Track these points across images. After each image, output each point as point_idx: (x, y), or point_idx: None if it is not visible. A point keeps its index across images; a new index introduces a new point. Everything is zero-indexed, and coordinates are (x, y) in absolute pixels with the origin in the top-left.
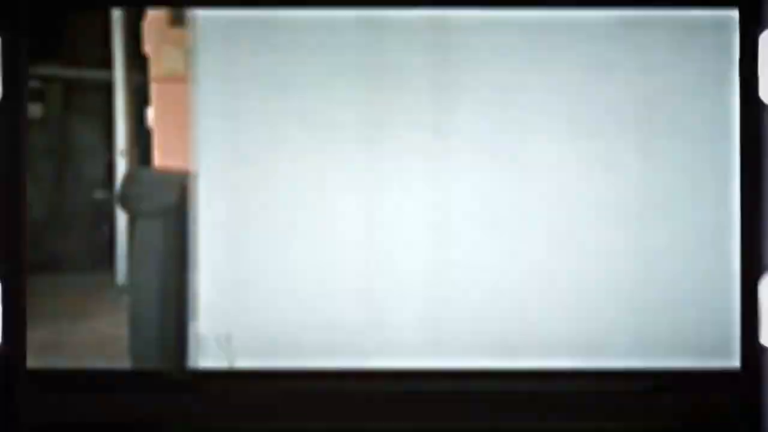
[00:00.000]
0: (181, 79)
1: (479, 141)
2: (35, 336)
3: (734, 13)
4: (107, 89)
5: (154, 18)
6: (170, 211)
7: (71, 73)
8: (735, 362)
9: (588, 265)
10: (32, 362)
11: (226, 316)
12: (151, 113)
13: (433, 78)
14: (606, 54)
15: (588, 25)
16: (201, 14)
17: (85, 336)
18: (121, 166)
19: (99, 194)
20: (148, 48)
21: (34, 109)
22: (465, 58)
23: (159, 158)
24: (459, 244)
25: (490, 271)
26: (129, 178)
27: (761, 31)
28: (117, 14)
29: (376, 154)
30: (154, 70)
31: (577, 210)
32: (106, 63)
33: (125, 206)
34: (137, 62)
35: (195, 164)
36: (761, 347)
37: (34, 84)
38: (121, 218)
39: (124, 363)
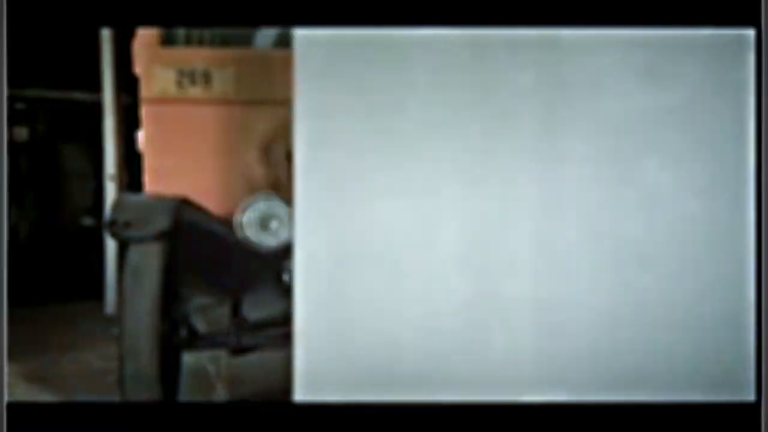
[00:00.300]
0: (173, 100)
1: (590, 165)
2: (19, 369)
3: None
4: (96, 111)
5: (144, 37)
6: (162, 238)
7: (58, 95)
8: None
9: (709, 297)
10: (16, 396)
11: (324, 348)
12: (141, 136)
13: (543, 99)
14: (723, 73)
15: (704, 45)
16: (300, 34)
17: (72, 369)
18: (110, 191)
19: (87, 221)
20: (138, 68)
21: (20, 132)
22: (576, 78)
23: (150, 183)
24: (569, 272)
25: (602, 301)
26: (118, 203)
27: None
28: (106, 34)
29: (482, 179)
30: (145, 91)
31: (698, 240)
32: (95, 84)
33: (114, 233)
34: (127, 83)
35: (294, 193)
36: None
37: (20, 106)
38: (110, 246)
39: (113, 397)
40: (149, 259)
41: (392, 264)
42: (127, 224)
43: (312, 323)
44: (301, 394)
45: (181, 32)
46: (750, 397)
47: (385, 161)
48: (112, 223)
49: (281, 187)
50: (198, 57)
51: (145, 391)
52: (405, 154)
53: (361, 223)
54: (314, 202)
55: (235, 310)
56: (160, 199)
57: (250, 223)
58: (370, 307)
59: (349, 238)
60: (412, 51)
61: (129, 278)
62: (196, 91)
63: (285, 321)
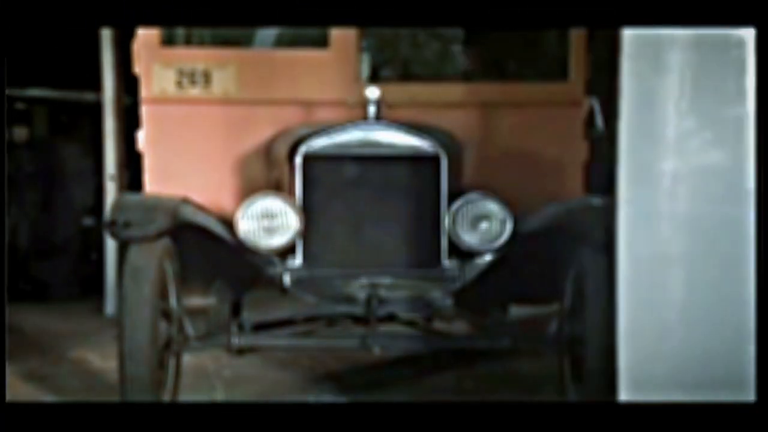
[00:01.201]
0: (173, 100)
1: None
2: (19, 368)
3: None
4: (96, 111)
5: (145, 38)
6: (162, 237)
7: (58, 94)
8: None
9: None
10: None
11: (647, 348)
12: (141, 136)
13: None
14: None
15: None
16: (628, 34)
17: (71, 369)
18: (111, 191)
19: (87, 221)
20: (138, 68)
21: (20, 133)
22: None
23: (150, 183)
24: None
25: None
26: (118, 203)
27: None
28: (106, 34)
29: None
30: (145, 91)
31: None
32: (95, 84)
33: (114, 233)
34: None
35: (618, 191)
36: None
37: (19, 106)
38: (111, 246)
39: (113, 397)
40: (150, 258)
41: (711, 264)
42: (127, 224)
43: (636, 324)
44: (625, 394)
45: (181, 32)
46: None
47: (712, 162)
48: (112, 223)
49: (282, 187)
50: (198, 57)
51: (144, 391)
52: (732, 154)
53: (684, 222)
54: (639, 203)
55: (235, 310)
56: (161, 199)
57: (250, 222)
58: (691, 308)
59: (672, 238)
60: (739, 50)
61: (128, 278)
62: (195, 91)
63: (285, 322)
